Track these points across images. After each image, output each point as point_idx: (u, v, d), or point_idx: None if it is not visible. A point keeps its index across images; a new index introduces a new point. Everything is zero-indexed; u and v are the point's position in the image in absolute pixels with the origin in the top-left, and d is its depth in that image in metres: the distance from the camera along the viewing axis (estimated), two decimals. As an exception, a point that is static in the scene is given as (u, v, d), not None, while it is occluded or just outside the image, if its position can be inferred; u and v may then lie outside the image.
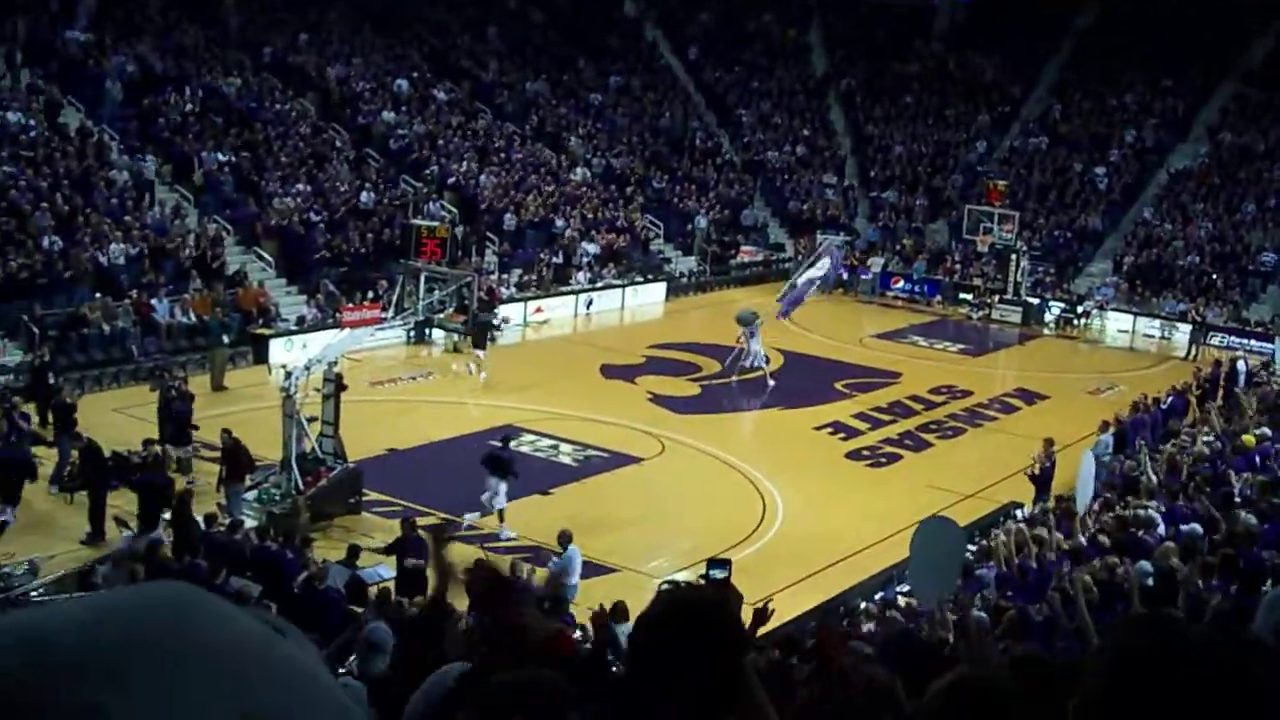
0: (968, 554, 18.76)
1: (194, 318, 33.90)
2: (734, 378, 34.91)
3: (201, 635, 1.04)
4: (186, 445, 25.53)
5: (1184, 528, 17.53)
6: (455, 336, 34.34)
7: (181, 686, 1.00)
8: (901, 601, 18.16)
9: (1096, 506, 21.57)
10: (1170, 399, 30.79)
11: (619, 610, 16.50)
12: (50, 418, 25.47)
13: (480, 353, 34.21)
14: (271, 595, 17.52)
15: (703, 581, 18.34)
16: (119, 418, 27.42)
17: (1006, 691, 2.38)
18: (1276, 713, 1.63)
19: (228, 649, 1.04)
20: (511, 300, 41.17)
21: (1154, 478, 21.99)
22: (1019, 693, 2.44)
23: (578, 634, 15.64)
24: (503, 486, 23.41)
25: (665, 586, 14.03)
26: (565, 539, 20.40)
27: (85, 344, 31.78)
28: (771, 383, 34.62)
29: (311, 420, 24.48)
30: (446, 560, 12.68)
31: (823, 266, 42.13)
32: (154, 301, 33.55)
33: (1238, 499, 19.31)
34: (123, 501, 21.98)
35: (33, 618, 1.03)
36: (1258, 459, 22.36)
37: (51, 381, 28.06)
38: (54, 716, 0.96)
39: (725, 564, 18.09)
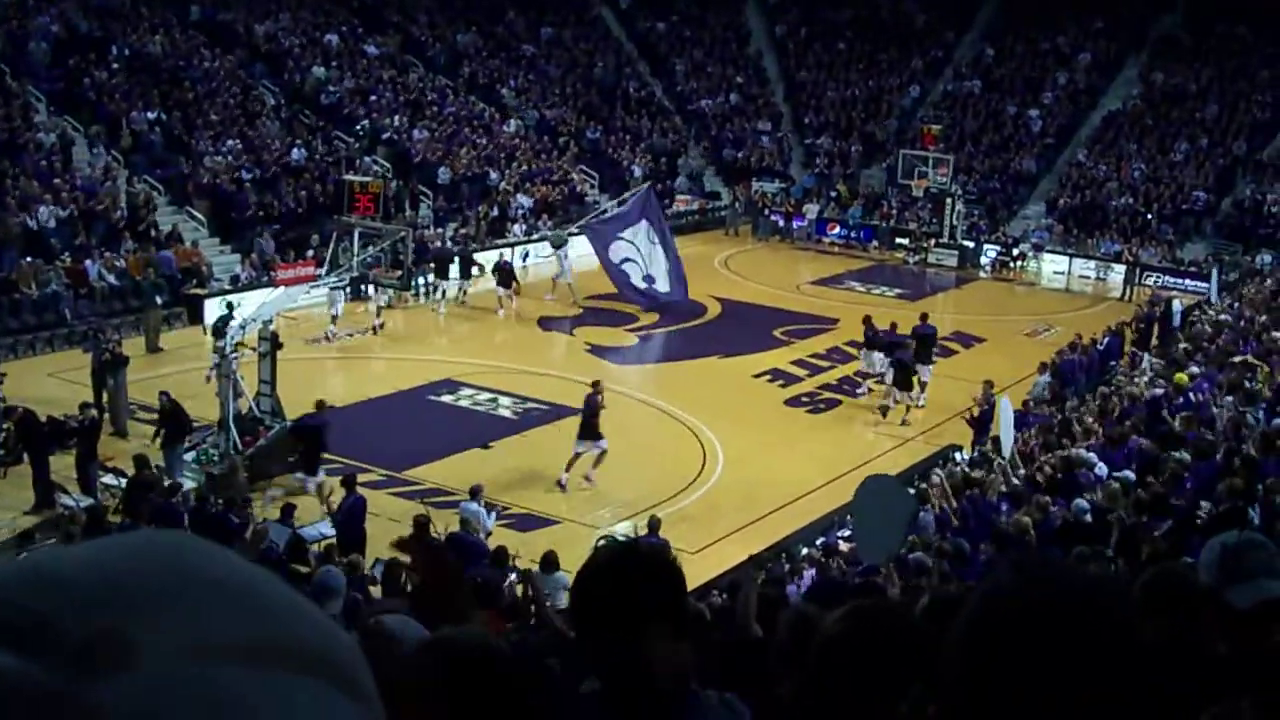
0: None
1: (126, 269, 33.53)
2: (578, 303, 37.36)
3: (204, 569, 1.04)
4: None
5: (1118, 474, 17.66)
6: (390, 292, 34.22)
7: (194, 614, 0.99)
8: (843, 546, 18.25)
9: (1029, 450, 21.67)
10: (1106, 340, 31.08)
11: (548, 560, 16.61)
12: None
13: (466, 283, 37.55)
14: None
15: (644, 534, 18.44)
16: (53, 382, 27.14)
17: (907, 618, 2.39)
18: (1135, 658, 1.63)
19: (233, 581, 1.04)
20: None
21: (1090, 418, 22.19)
22: (920, 621, 2.44)
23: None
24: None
25: (602, 542, 14.10)
26: (472, 493, 20.28)
27: (17, 309, 31.43)
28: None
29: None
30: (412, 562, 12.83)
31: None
32: (87, 264, 33.15)
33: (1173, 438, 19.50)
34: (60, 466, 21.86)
35: (38, 559, 1.02)
36: (1192, 396, 22.58)
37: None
38: (75, 645, 0.94)
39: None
